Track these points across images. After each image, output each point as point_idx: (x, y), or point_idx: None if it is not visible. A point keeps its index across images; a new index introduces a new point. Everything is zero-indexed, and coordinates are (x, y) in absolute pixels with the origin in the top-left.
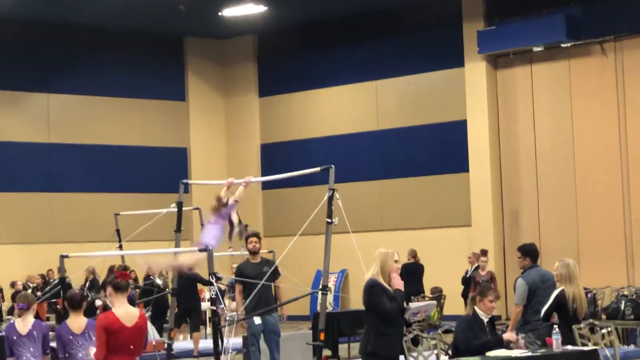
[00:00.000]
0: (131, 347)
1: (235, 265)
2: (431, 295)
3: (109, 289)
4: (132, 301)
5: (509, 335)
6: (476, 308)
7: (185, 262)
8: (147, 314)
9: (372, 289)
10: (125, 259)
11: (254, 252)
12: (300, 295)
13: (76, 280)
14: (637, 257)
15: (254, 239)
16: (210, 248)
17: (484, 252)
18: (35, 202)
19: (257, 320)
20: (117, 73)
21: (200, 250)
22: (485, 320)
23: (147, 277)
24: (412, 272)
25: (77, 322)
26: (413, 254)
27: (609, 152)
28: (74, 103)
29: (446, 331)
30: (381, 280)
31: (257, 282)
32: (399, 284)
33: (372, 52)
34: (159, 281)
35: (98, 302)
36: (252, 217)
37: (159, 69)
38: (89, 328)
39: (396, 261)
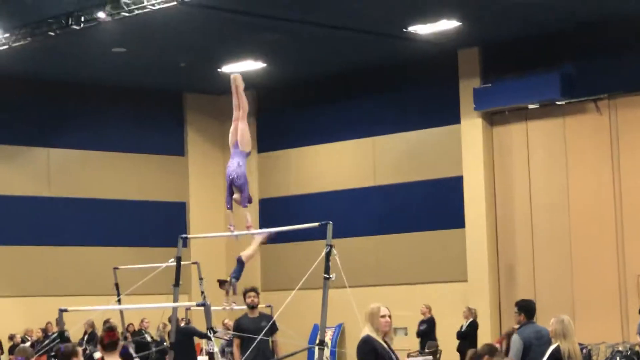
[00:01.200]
0: None
1: (227, 321)
2: (428, 350)
3: (99, 347)
4: (127, 355)
5: None
6: None
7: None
8: None
9: (361, 346)
10: (124, 312)
11: (252, 307)
12: (298, 350)
13: (75, 333)
14: (632, 312)
15: (252, 293)
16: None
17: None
18: (34, 256)
19: None
20: (117, 128)
21: (198, 305)
22: None
23: (138, 332)
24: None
25: None
26: (430, 309)
27: (604, 209)
28: (74, 157)
29: None
30: (375, 336)
31: (255, 337)
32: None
33: (370, 109)
34: (148, 337)
35: (97, 355)
36: (250, 272)
37: (159, 124)
38: None
39: (382, 316)
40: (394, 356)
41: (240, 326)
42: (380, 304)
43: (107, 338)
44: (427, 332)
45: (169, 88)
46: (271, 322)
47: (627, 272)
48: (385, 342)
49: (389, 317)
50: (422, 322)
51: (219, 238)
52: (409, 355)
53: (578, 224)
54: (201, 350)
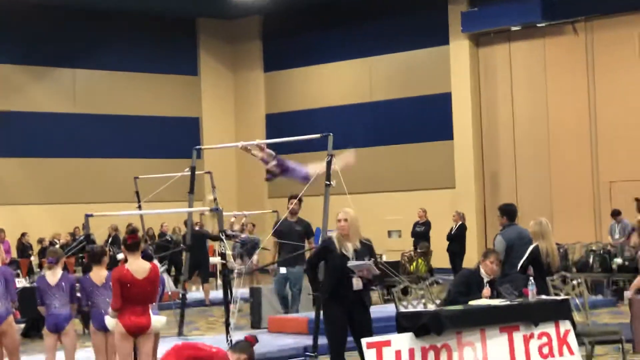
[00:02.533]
0: (143, 296)
1: (237, 215)
2: (420, 250)
3: (123, 248)
4: (148, 256)
5: (484, 292)
6: (481, 266)
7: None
8: (164, 267)
9: (317, 246)
10: (144, 217)
11: (292, 212)
12: (301, 251)
13: (100, 236)
14: (604, 216)
15: (294, 200)
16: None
17: None
18: (62, 167)
19: (283, 270)
20: (137, 51)
21: (211, 211)
22: (486, 279)
23: (161, 234)
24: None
25: (98, 274)
26: (426, 212)
27: (580, 122)
28: (97, 77)
29: (432, 283)
30: (336, 239)
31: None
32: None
33: (367, 32)
34: (172, 236)
35: (120, 256)
36: (258, 181)
37: (174, 46)
38: (109, 280)
39: (338, 220)
40: (350, 258)
41: (277, 228)
42: (345, 209)
43: (130, 239)
44: (424, 233)
45: (183, 13)
46: (306, 226)
47: (601, 180)
48: (355, 245)
49: (345, 220)
50: (418, 224)
51: (229, 150)
52: (402, 255)
53: (556, 135)
54: (214, 251)
